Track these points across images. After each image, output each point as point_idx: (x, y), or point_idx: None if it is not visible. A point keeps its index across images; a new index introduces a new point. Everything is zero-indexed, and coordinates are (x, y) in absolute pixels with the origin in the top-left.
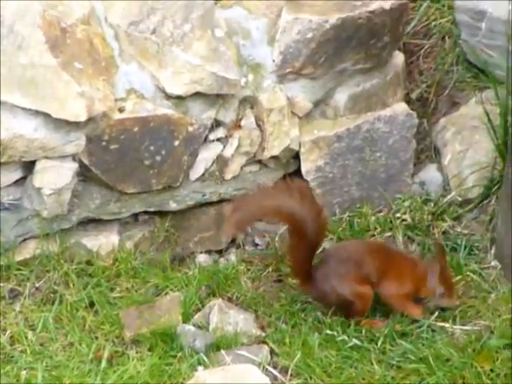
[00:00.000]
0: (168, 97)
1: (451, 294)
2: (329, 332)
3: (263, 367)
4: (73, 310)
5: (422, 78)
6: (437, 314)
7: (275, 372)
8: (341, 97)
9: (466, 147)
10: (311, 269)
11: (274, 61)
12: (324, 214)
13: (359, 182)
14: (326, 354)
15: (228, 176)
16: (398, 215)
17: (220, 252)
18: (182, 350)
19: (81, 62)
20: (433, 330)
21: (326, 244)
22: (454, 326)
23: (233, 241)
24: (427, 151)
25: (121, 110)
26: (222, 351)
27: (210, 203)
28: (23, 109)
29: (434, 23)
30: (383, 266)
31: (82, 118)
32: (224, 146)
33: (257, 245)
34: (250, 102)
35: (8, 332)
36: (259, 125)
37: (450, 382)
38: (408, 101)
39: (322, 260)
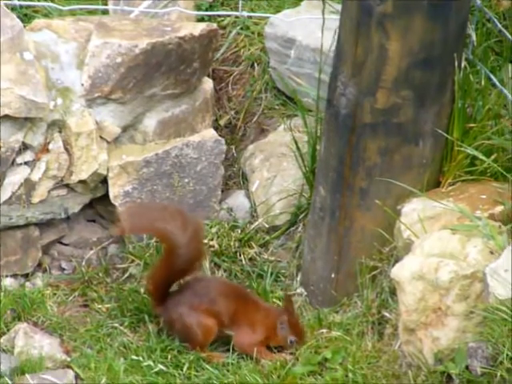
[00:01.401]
0: None
1: (302, 340)
2: (134, 357)
3: None
4: None
5: (230, 105)
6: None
7: None
8: (150, 122)
9: (273, 174)
10: (167, 293)
11: (82, 85)
12: (203, 253)
13: (164, 203)
14: (131, 380)
15: (35, 200)
16: (205, 241)
17: (26, 276)
18: None
19: None
20: (238, 357)
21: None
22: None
23: (39, 265)
24: (235, 178)
25: None
26: (27, 375)
27: (17, 227)
28: None
29: (243, 50)
30: (237, 310)
31: None
32: (31, 170)
33: (63, 269)
34: (58, 125)
35: None
36: (67, 149)
37: None
38: (216, 127)
39: (180, 288)
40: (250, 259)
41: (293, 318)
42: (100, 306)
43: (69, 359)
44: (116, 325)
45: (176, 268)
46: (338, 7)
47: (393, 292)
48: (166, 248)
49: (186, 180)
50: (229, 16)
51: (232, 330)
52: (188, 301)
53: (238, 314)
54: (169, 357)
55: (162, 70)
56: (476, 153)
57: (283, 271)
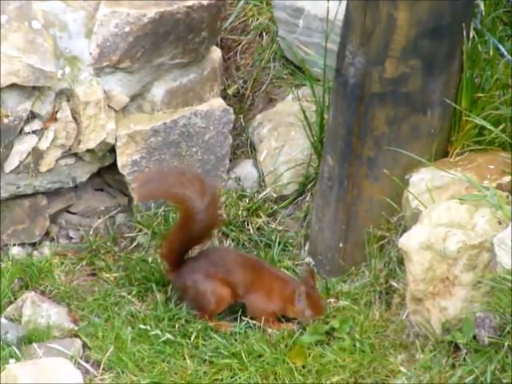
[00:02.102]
0: None
1: (319, 315)
2: (142, 326)
3: (75, 361)
4: None
5: (238, 74)
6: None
7: (87, 366)
8: (158, 91)
9: (281, 144)
10: (181, 260)
11: (91, 54)
12: (220, 219)
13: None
14: (138, 349)
15: (43, 169)
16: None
17: (34, 245)
18: None
19: None
20: (246, 326)
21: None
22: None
23: (47, 234)
24: (243, 147)
25: None
26: (34, 344)
27: (25, 195)
28: None
29: (251, 19)
30: (254, 281)
31: None
32: (39, 139)
33: (71, 238)
34: (66, 94)
35: None
36: (75, 117)
37: (261, 377)
38: (225, 96)
39: (196, 256)
40: (258, 229)
41: (313, 292)
42: (108, 275)
43: (76, 328)
44: (124, 294)
45: (192, 234)
46: None
47: (400, 262)
48: (183, 213)
49: (194, 149)
50: None
51: (247, 298)
52: (204, 269)
53: (255, 284)
54: (176, 326)
55: (170, 39)
56: (484, 123)
57: (291, 241)
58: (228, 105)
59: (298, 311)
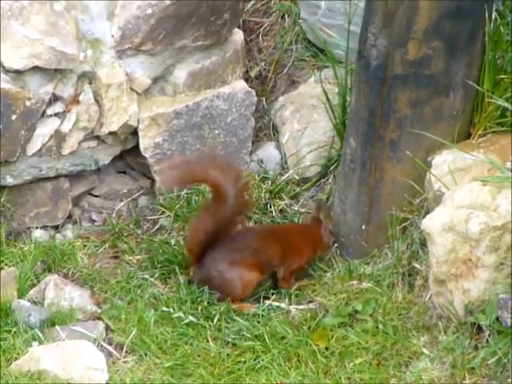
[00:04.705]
0: (6, 71)
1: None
2: (165, 309)
3: (98, 343)
4: None
5: (261, 56)
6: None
7: (110, 348)
8: (180, 73)
9: (304, 126)
10: (205, 250)
11: (113, 36)
12: (250, 205)
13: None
14: (161, 331)
15: (65, 151)
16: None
17: (56, 228)
18: (16, 325)
19: None
20: (269, 308)
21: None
22: (290, 306)
23: (69, 216)
24: (266, 129)
25: None
26: (57, 327)
27: (47, 178)
28: None
29: (273, 1)
30: (283, 247)
31: None
32: (62, 121)
33: (94, 221)
34: (88, 77)
35: None
36: (97, 100)
37: (284, 359)
38: (247, 79)
39: (217, 246)
40: (281, 211)
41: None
42: (130, 258)
43: (99, 311)
44: (146, 276)
45: (221, 220)
46: None
47: (423, 243)
48: (215, 198)
49: (217, 132)
50: None
51: (284, 265)
52: (228, 256)
53: (286, 249)
54: (199, 308)
55: (192, 21)
56: (507, 104)
57: None
58: (250, 87)
59: (326, 245)
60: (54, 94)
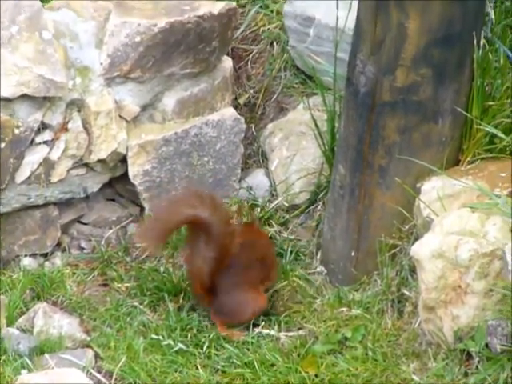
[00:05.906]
0: None
1: None
2: (154, 336)
3: (87, 371)
4: None
5: (249, 84)
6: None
7: (99, 376)
8: (169, 101)
9: (293, 153)
10: (213, 284)
11: (101, 64)
12: (234, 228)
13: (187, 187)
14: (150, 359)
15: (54, 179)
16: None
17: (45, 255)
18: (5, 354)
19: None
20: (258, 336)
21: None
22: (280, 333)
23: (58, 244)
24: (255, 156)
25: None
26: (46, 355)
27: (36, 206)
28: None
29: (262, 29)
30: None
31: None
32: (50, 149)
33: (83, 248)
34: (77, 104)
35: None
36: (86, 128)
37: None
38: (236, 106)
39: (223, 271)
40: (270, 238)
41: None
42: (119, 285)
43: (88, 338)
44: (136, 304)
45: (215, 251)
46: None
47: (412, 270)
48: (202, 233)
49: (206, 159)
50: None
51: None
52: (235, 279)
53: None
54: (188, 336)
55: (180, 49)
56: (495, 131)
57: (303, 250)
58: (239, 114)
59: None
60: (42, 122)
